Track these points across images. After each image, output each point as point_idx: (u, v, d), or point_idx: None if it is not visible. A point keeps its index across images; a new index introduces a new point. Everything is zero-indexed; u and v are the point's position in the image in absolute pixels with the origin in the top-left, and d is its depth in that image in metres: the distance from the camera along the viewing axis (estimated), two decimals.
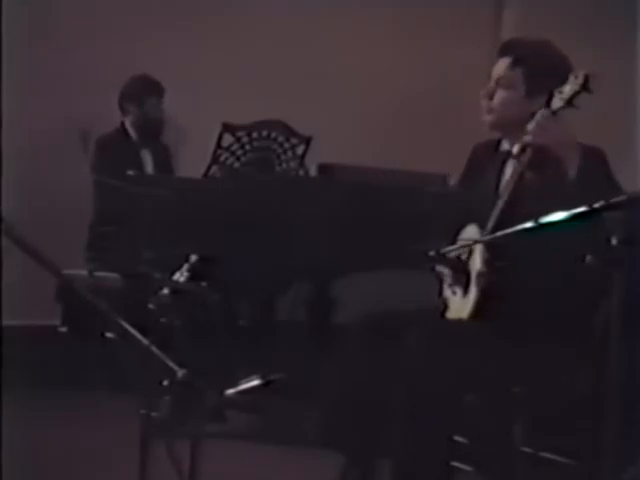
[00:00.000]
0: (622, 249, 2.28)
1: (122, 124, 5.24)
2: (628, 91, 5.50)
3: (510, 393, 3.04)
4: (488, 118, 3.20)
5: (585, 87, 2.85)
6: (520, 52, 3.16)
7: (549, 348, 2.98)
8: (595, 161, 2.95)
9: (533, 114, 3.03)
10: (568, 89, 2.89)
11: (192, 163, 4.60)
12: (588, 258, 2.40)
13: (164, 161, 5.32)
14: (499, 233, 2.73)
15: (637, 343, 2.55)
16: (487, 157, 3.31)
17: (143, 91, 5.18)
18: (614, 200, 2.28)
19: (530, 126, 2.98)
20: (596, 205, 2.28)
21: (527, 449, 3.18)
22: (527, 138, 2.99)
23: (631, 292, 2.37)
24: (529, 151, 3.00)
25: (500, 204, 3.05)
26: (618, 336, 2.35)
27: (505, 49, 3.20)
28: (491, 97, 3.18)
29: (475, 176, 3.35)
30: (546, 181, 2.99)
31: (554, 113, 2.93)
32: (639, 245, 2.29)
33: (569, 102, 2.89)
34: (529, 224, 2.38)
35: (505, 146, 3.25)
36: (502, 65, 3.18)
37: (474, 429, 3.27)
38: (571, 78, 2.89)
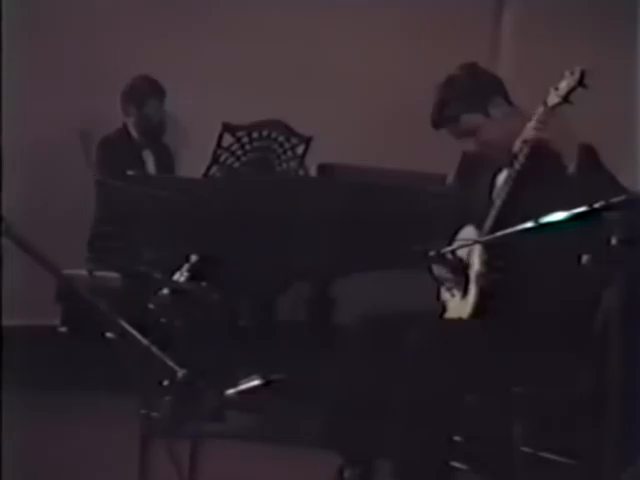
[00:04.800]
0: (622, 249, 2.28)
1: (124, 125, 5.24)
2: (628, 91, 5.49)
3: (510, 393, 3.04)
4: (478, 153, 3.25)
5: (581, 83, 2.86)
6: (461, 99, 3.20)
7: (549, 348, 2.98)
8: (591, 156, 2.96)
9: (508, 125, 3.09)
10: (564, 85, 2.89)
11: (192, 163, 4.60)
12: (584, 258, 2.40)
13: (166, 162, 5.32)
14: (499, 233, 2.73)
15: (637, 343, 2.55)
16: (479, 161, 3.33)
17: (144, 93, 5.18)
18: (614, 200, 2.28)
19: (530, 123, 2.99)
20: (596, 205, 2.28)
21: (527, 449, 3.18)
22: (527, 134, 3.00)
23: (631, 292, 2.38)
24: (526, 150, 3.01)
25: (497, 205, 3.06)
26: (618, 336, 2.35)
27: (452, 111, 3.22)
28: (482, 143, 3.22)
29: (468, 180, 3.37)
30: (544, 178, 2.99)
31: (551, 109, 2.93)
32: (639, 245, 2.29)
33: (565, 98, 2.89)
34: (529, 224, 2.38)
35: None
36: (469, 119, 3.20)
37: (474, 429, 3.27)
38: (567, 74, 2.90)
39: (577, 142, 2.94)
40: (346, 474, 3.20)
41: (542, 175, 3.00)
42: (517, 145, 3.07)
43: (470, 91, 3.22)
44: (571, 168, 2.91)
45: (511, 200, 3.04)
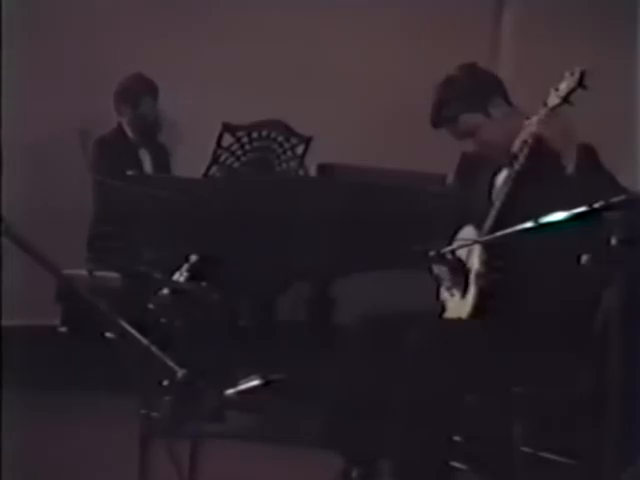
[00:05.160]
0: (622, 249, 2.27)
1: (119, 124, 5.24)
2: (628, 91, 5.49)
3: (510, 393, 3.04)
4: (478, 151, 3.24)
5: (581, 84, 2.86)
6: (462, 97, 3.21)
7: (549, 348, 2.98)
8: (590, 156, 2.96)
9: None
10: (564, 86, 2.90)
11: (192, 163, 4.60)
12: (584, 259, 2.41)
13: (162, 160, 5.32)
14: (499, 233, 2.73)
15: (637, 343, 2.55)
16: (479, 162, 3.33)
17: (137, 91, 5.18)
18: (614, 200, 2.28)
19: (531, 121, 3.00)
20: (596, 205, 2.28)
21: (527, 449, 3.18)
22: (529, 130, 3.00)
23: (631, 292, 2.37)
24: (525, 150, 3.01)
25: (497, 205, 3.06)
26: (618, 336, 2.35)
27: (452, 109, 3.22)
28: (483, 142, 3.21)
29: (467, 180, 3.37)
30: (544, 178, 2.99)
31: (551, 110, 2.93)
32: (639, 245, 2.29)
33: (565, 99, 2.89)
34: (529, 224, 2.38)
35: None
36: (469, 118, 3.20)
37: (474, 429, 3.27)
38: (567, 75, 2.90)
39: (577, 142, 2.94)
40: (354, 475, 3.19)
41: (541, 175, 3.00)
42: (517, 145, 3.07)
43: (470, 91, 3.22)
44: (570, 168, 2.91)
45: (511, 200, 3.04)
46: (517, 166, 3.04)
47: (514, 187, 3.04)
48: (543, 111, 2.96)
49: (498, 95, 3.24)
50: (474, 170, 3.33)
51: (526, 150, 3.01)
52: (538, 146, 2.98)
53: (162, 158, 5.33)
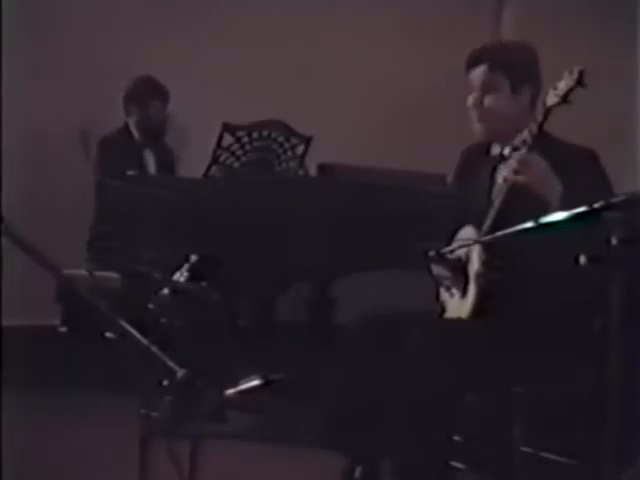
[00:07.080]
0: (622, 249, 2.27)
1: (126, 124, 5.24)
2: (628, 91, 5.49)
3: (510, 393, 3.04)
4: (480, 126, 3.20)
5: (580, 82, 2.85)
6: (492, 55, 3.19)
7: (549, 348, 2.98)
8: (584, 174, 2.94)
9: (522, 112, 3.08)
10: (563, 85, 2.89)
11: (192, 163, 4.60)
12: (583, 259, 2.40)
13: (167, 162, 5.32)
14: (499, 233, 2.73)
15: (637, 343, 2.55)
16: (478, 160, 3.31)
17: (148, 94, 5.18)
18: (614, 200, 2.28)
19: (511, 162, 2.99)
20: (596, 205, 2.28)
21: (527, 449, 3.18)
22: (509, 175, 2.98)
23: (631, 292, 2.37)
24: (506, 188, 3.01)
25: (496, 205, 3.05)
26: (618, 336, 2.35)
27: (476, 58, 3.20)
28: (481, 104, 3.18)
29: (467, 179, 3.36)
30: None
31: (549, 110, 2.92)
32: (639, 245, 2.29)
33: (564, 98, 2.89)
34: (529, 224, 2.38)
35: (495, 151, 3.25)
36: (480, 72, 3.17)
37: (474, 429, 3.27)
38: (565, 74, 2.89)
39: (557, 188, 2.91)
40: (357, 474, 3.20)
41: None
42: (499, 179, 3.06)
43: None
44: (554, 203, 2.88)
45: (510, 201, 3.03)
46: (498, 202, 3.03)
47: (512, 190, 3.03)
48: (525, 152, 2.95)
49: None
50: (474, 169, 3.33)
51: (505, 189, 3.00)
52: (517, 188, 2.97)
53: (167, 160, 5.32)
